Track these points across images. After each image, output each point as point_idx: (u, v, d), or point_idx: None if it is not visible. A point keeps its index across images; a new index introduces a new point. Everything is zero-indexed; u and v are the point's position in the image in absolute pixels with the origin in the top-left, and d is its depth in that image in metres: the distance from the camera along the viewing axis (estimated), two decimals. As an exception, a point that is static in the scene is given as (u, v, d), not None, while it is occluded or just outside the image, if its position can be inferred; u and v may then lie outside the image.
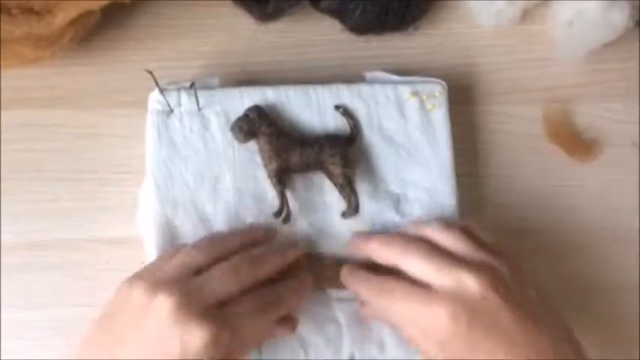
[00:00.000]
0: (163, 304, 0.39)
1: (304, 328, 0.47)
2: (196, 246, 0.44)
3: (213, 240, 0.45)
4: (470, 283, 0.40)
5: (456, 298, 0.40)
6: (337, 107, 0.50)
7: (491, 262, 0.42)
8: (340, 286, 0.47)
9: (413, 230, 0.46)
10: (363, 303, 0.47)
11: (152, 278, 0.41)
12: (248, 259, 0.43)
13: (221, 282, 0.41)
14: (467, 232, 0.44)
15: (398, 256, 0.43)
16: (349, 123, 0.49)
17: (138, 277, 0.41)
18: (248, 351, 0.43)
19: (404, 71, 0.52)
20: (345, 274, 0.46)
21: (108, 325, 0.41)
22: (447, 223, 0.45)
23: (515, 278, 0.42)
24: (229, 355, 0.40)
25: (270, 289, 0.43)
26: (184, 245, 0.45)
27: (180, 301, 0.39)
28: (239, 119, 0.48)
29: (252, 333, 0.42)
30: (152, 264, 0.44)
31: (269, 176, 0.48)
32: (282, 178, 0.48)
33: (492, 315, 0.40)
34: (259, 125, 0.47)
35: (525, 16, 0.56)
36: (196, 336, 0.38)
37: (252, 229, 0.48)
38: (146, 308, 0.39)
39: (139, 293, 0.40)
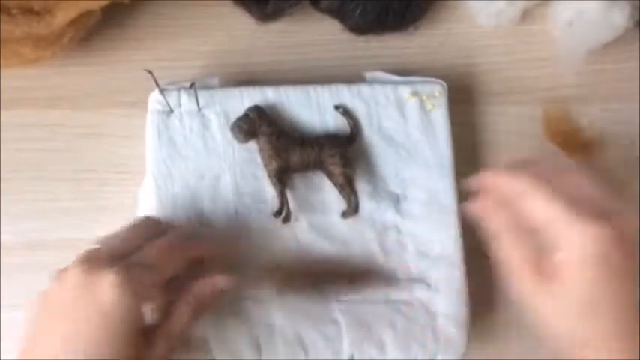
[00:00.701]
0: (72, 273, 0.39)
1: (304, 329, 0.47)
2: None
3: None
4: (621, 219, 0.38)
5: (611, 226, 0.37)
6: (337, 107, 0.50)
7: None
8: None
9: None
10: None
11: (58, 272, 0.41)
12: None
13: (122, 237, 0.42)
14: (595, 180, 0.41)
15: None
16: (349, 123, 0.50)
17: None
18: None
19: (404, 71, 0.52)
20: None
21: (30, 332, 0.41)
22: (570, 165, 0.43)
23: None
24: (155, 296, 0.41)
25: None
26: None
27: (82, 264, 0.39)
28: (239, 119, 0.48)
29: (165, 270, 0.41)
30: None
31: (269, 176, 0.48)
32: (282, 177, 0.48)
33: (631, 258, 0.38)
34: (259, 125, 0.48)
35: (525, 16, 0.56)
36: (104, 283, 0.38)
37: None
38: (58, 292, 0.40)
39: (51, 287, 0.40)
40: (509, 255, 0.40)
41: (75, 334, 0.38)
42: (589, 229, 0.37)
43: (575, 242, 0.38)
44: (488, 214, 0.42)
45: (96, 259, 0.39)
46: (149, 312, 0.41)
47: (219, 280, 0.43)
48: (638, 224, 0.39)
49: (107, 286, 0.38)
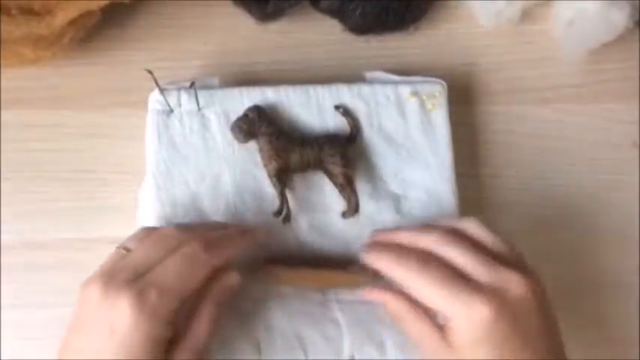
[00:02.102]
0: (90, 291, 0.39)
1: (304, 329, 0.47)
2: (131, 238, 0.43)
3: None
4: (514, 281, 0.39)
5: (500, 295, 0.39)
6: (337, 107, 0.50)
7: (529, 268, 0.42)
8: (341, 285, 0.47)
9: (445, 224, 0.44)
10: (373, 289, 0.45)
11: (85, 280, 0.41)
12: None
13: (145, 252, 0.40)
14: (501, 237, 0.43)
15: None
16: (349, 123, 0.49)
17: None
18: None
19: (404, 71, 0.52)
20: (369, 250, 0.45)
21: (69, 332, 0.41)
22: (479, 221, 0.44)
23: (545, 291, 0.42)
24: (174, 316, 0.39)
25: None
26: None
27: (102, 282, 0.38)
28: (239, 119, 0.48)
29: (183, 286, 0.39)
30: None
31: (269, 176, 0.48)
32: (281, 177, 0.48)
33: (527, 320, 0.39)
34: (259, 125, 0.48)
35: (525, 16, 0.56)
36: (119, 307, 0.37)
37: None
38: (80, 305, 0.39)
39: (80, 291, 0.40)
40: (415, 329, 0.42)
41: (94, 352, 0.38)
42: (468, 309, 0.39)
43: (460, 324, 0.39)
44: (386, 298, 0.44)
45: (116, 274, 0.39)
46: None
47: (232, 278, 0.43)
48: (530, 280, 0.40)
49: (123, 310, 0.37)
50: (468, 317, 0.39)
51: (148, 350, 0.38)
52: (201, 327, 0.41)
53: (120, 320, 0.37)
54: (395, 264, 0.42)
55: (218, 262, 0.41)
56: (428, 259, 0.41)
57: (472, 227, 0.43)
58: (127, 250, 0.41)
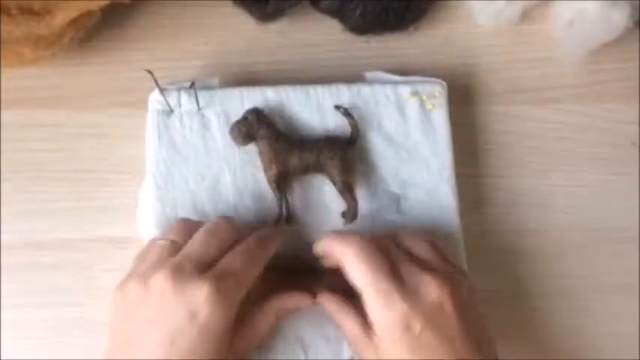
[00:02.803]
0: (157, 282, 0.39)
1: (304, 329, 0.47)
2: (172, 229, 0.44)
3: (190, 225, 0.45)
4: (431, 287, 0.41)
5: (414, 300, 0.40)
6: (337, 107, 0.50)
7: (453, 274, 0.43)
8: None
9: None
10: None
11: (138, 272, 0.41)
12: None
13: (204, 244, 0.41)
14: (434, 245, 0.45)
15: (352, 253, 0.43)
16: (350, 123, 0.49)
17: (125, 279, 0.41)
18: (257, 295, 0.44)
19: (404, 71, 0.52)
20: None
21: (116, 335, 0.41)
22: (417, 232, 0.46)
23: (470, 295, 0.43)
24: (245, 306, 0.41)
25: (249, 236, 0.44)
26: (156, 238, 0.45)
27: (171, 273, 0.39)
28: (237, 122, 0.48)
29: (249, 277, 0.42)
30: (133, 265, 0.44)
31: (269, 182, 0.48)
32: (281, 184, 0.48)
33: (444, 323, 0.40)
34: (258, 128, 0.47)
35: (525, 16, 0.56)
36: (197, 294, 0.38)
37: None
38: (143, 298, 0.39)
39: (131, 290, 0.40)
40: (341, 321, 0.43)
41: (169, 344, 0.38)
42: (391, 301, 0.40)
43: (378, 313, 0.41)
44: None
45: (183, 266, 0.40)
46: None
47: (304, 301, 0.45)
48: (447, 283, 0.41)
49: (202, 298, 0.38)
50: (389, 312, 0.40)
51: (225, 334, 0.39)
52: (259, 325, 0.44)
53: (200, 307, 0.38)
54: (337, 242, 0.43)
55: (267, 258, 0.43)
56: (370, 245, 0.42)
57: (407, 236, 0.45)
58: (173, 242, 0.42)
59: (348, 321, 0.43)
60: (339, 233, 0.45)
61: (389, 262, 0.42)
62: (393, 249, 0.43)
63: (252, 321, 0.43)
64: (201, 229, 0.43)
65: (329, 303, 0.44)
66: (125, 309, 0.40)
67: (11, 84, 0.52)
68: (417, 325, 0.40)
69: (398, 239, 0.45)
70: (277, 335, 0.47)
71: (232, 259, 0.41)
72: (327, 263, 0.45)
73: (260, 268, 0.42)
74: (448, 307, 0.40)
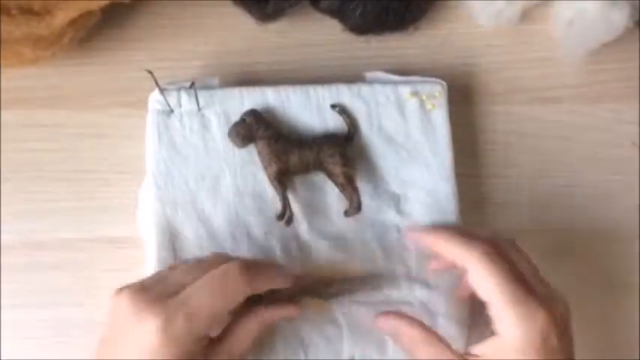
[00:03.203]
0: (122, 299, 0.38)
1: (304, 329, 0.47)
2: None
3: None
4: (560, 300, 0.40)
5: (551, 311, 0.38)
6: (333, 106, 0.50)
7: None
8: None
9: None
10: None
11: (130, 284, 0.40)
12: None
13: (182, 272, 0.40)
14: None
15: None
16: (346, 121, 0.49)
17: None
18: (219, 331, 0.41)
19: (404, 71, 0.52)
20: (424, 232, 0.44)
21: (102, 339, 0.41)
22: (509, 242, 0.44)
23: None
24: (203, 341, 0.39)
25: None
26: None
27: (134, 293, 0.38)
28: (236, 124, 0.48)
29: (214, 309, 0.38)
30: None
31: (269, 179, 0.48)
32: (282, 180, 0.48)
33: (564, 337, 0.39)
34: (256, 129, 0.47)
35: (525, 16, 0.56)
36: (149, 324, 0.37)
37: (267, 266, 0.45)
38: (112, 309, 0.39)
39: (111, 297, 0.40)
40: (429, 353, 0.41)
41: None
42: (532, 311, 0.38)
43: (517, 324, 0.38)
44: (401, 329, 0.43)
45: (148, 289, 0.38)
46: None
47: (292, 312, 0.44)
48: (567, 307, 0.40)
49: (151, 331, 0.37)
50: (530, 323, 0.37)
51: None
52: (240, 338, 0.41)
53: (147, 341, 0.37)
54: (460, 246, 0.40)
55: (253, 289, 0.40)
56: (495, 252, 0.39)
57: (512, 246, 0.43)
58: (173, 268, 0.41)
59: (440, 353, 0.41)
60: (460, 232, 0.42)
61: (517, 269, 0.40)
62: (514, 254, 0.41)
63: (232, 334, 0.41)
64: (195, 259, 0.42)
65: (415, 331, 0.42)
66: (108, 315, 0.40)
67: (11, 84, 0.52)
68: (554, 338, 0.38)
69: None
70: (277, 335, 0.47)
71: (195, 289, 0.38)
72: (434, 265, 0.44)
73: (236, 299, 0.39)
74: (568, 323, 0.40)
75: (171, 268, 0.42)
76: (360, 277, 0.48)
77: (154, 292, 0.38)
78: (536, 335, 0.37)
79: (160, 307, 0.37)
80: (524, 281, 0.39)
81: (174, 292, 0.38)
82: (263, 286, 0.41)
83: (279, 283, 0.43)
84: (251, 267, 0.40)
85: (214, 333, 0.41)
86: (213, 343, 0.41)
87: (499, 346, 0.39)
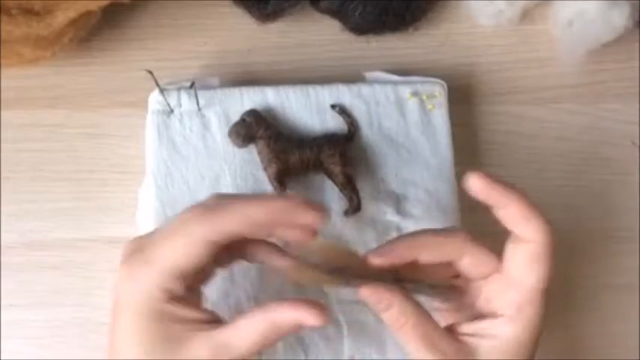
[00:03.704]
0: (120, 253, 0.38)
1: (304, 329, 0.47)
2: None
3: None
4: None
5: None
6: (333, 106, 0.50)
7: None
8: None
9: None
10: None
11: None
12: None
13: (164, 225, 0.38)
14: None
15: None
16: (346, 121, 0.49)
17: None
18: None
19: (404, 71, 0.52)
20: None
21: None
22: None
23: None
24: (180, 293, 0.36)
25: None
26: None
27: (125, 246, 0.38)
28: (236, 124, 0.48)
29: (175, 266, 0.35)
30: None
31: (269, 180, 0.48)
32: (282, 180, 0.48)
33: None
34: (257, 129, 0.47)
35: (525, 16, 0.56)
36: (120, 278, 0.37)
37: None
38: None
39: None
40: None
41: (111, 328, 0.38)
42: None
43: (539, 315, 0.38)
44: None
45: (132, 244, 0.38)
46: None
47: (309, 317, 0.36)
48: None
49: (120, 283, 0.37)
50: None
51: (145, 319, 0.36)
52: (241, 333, 0.36)
53: (119, 294, 0.37)
54: (437, 239, 0.39)
55: (218, 234, 0.35)
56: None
57: None
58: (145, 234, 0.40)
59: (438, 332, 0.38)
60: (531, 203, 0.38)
61: None
62: None
63: (234, 327, 0.36)
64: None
65: (406, 305, 0.37)
66: None
67: (11, 84, 0.52)
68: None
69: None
70: (277, 335, 0.47)
71: (159, 241, 0.36)
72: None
73: (198, 251, 0.35)
74: None
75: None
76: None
77: (135, 243, 0.38)
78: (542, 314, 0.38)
79: (129, 258, 0.37)
80: None
81: (147, 244, 0.37)
82: (229, 228, 0.35)
83: (255, 225, 0.36)
84: (215, 208, 0.36)
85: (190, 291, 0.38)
86: (211, 332, 0.37)
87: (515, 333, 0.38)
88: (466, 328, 0.39)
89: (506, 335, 0.38)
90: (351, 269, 0.39)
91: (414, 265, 0.39)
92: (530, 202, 0.38)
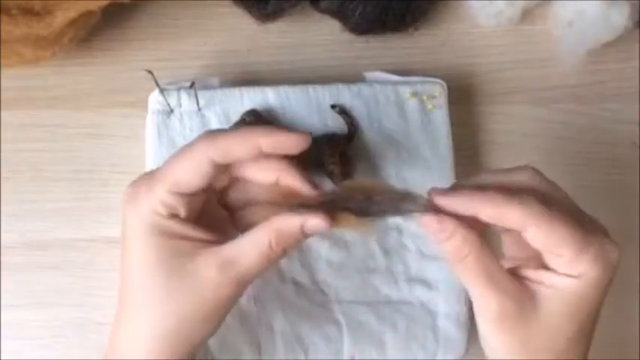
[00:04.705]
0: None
1: (305, 329, 0.47)
2: None
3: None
4: (612, 248, 0.36)
5: (606, 262, 0.35)
6: (333, 106, 0.50)
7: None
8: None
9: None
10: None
11: None
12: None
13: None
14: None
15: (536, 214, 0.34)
16: (346, 121, 0.49)
17: None
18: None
19: (404, 71, 0.52)
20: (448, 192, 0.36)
21: None
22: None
23: None
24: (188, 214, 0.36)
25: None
26: None
27: (133, 181, 0.38)
28: (236, 124, 0.48)
29: (177, 184, 0.35)
30: None
31: None
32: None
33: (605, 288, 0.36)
34: (257, 129, 0.47)
35: (525, 16, 0.56)
36: (124, 204, 0.37)
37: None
38: None
39: None
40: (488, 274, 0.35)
41: (122, 257, 0.37)
42: (604, 252, 0.35)
43: (593, 270, 0.35)
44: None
45: (132, 182, 0.37)
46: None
47: (313, 220, 0.35)
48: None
49: (124, 209, 0.36)
50: (600, 266, 0.35)
51: (154, 239, 0.36)
52: (246, 248, 0.35)
53: (123, 215, 0.37)
54: (502, 201, 0.34)
55: (223, 155, 0.35)
56: (544, 198, 0.35)
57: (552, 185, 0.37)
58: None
59: (496, 268, 0.35)
60: (497, 189, 0.35)
61: (571, 209, 0.36)
62: (557, 192, 0.37)
63: (238, 243, 0.36)
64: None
65: (471, 237, 0.34)
66: None
67: (11, 84, 0.52)
68: (606, 283, 0.36)
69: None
70: (277, 335, 0.47)
71: (164, 165, 0.36)
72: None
73: (202, 171, 0.35)
74: (613, 273, 0.37)
75: None
76: (395, 193, 0.38)
77: (141, 176, 0.38)
78: (611, 272, 0.35)
79: (134, 182, 0.37)
80: (581, 221, 0.35)
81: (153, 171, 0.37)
82: (235, 148, 0.35)
83: (258, 150, 0.35)
84: (221, 132, 0.37)
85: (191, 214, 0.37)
86: (216, 249, 0.36)
87: (573, 289, 0.35)
88: (528, 272, 0.36)
89: (568, 289, 0.35)
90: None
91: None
92: (493, 190, 0.35)
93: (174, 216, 0.36)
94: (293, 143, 0.35)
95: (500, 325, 0.36)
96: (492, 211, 0.34)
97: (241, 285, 0.36)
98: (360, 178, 0.47)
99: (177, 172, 0.36)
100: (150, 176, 0.37)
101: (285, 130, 0.36)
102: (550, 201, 0.35)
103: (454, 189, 0.36)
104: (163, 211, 0.36)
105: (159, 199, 0.36)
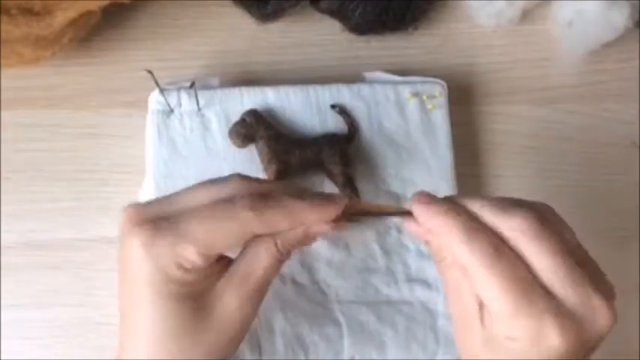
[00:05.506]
0: (124, 214, 0.36)
1: (305, 329, 0.47)
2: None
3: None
4: (603, 311, 0.33)
5: (581, 328, 0.32)
6: (333, 106, 0.50)
7: (609, 283, 0.36)
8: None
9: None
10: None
11: None
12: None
13: (187, 196, 0.36)
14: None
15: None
16: (346, 121, 0.49)
17: None
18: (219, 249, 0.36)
19: (404, 71, 0.52)
20: (425, 201, 0.37)
21: None
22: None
23: None
24: (201, 260, 0.35)
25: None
26: None
27: (134, 209, 0.36)
28: (236, 124, 0.48)
29: (207, 247, 0.34)
30: None
31: (269, 179, 0.48)
32: (282, 180, 0.48)
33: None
34: (257, 129, 0.47)
35: (525, 16, 0.56)
36: (136, 238, 0.34)
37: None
38: (120, 224, 0.36)
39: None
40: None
41: (118, 295, 0.36)
42: (536, 331, 0.32)
43: (521, 344, 0.33)
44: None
45: (147, 208, 0.36)
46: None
47: (317, 227, 0.36)
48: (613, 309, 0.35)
49: (135, 244, 0.34)
50: (532, 340, 0.32)
51: (159, 288, 0.34)
52: (251, 262, 0.36)
53: (131, 254, 0.34)
54: (458, 233, 0.34)
55: (266, 227, 0.35)
56: (502, 248, 0.33)
57: (552, 216, 0.35)
58: (185, 190, 0.37)
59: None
60: (453, 210, 0.35)
61: (567, 244, 0.34)
62: (559, 223, 0.35)
63: (247, 260, 0.36)
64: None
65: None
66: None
67: (11, 84, 0.52)
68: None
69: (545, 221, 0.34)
70: (277, 335, 0.47)
71: (192, 217, 0.34)
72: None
73: (237, 238, 0.35)
74: (603, 339, 0.35)
75: (184, 190, 0.37)
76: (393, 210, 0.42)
77: (152, 210, 0.35)
78: (540, 352, 0.32)
79: (150, 224, 0.34)
80: (534, 287, 0.32)
81: (173, 214, 0.35)
82: (281, 224, 0.35)
83: (308, 221, 0.36)
84: (269, 199, 0.35)
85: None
86: (225, 274, 0.36)
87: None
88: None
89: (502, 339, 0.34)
90: None
91: None
92: (463, 232, 0.34)
93: (192, 269, 0.35)
94: (334, 212, 0.37)
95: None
96: (447, 242, 0.35)
97: (262, 293, 0.37)
98: (364, 200, 0.47)
99: (214, 236, 0.34)
100: (174, 226, 0.34)
101: (326, 200, 0.36)
102: (529, 251, 0.33)
103: (436, 204, 0.37)
104: (188, 265, 0.34)
105: (185, 257, 0.34)
